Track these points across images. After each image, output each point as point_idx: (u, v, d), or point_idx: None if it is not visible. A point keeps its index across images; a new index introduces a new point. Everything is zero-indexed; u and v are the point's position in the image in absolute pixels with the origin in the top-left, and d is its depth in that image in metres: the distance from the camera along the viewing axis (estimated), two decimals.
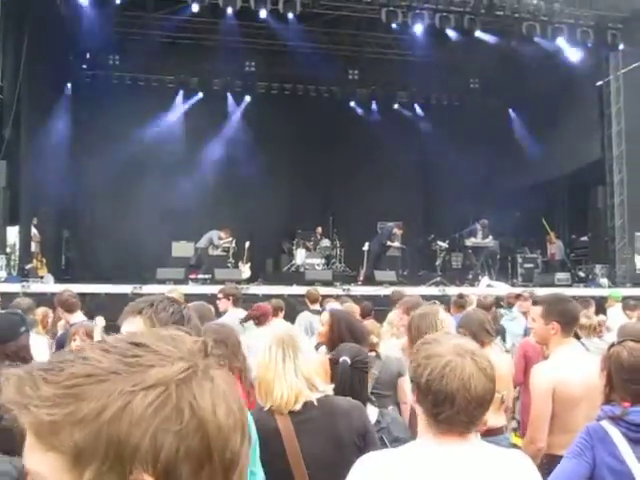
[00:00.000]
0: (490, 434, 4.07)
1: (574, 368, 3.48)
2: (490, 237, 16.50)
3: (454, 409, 1.88)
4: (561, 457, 2.77)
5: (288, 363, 2.74)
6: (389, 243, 16.15)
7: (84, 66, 19.20)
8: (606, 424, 2.64)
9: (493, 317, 6.80)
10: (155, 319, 2.16)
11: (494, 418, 4.28)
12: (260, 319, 6.57)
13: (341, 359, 3.36)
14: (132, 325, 2.14)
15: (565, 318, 3.72)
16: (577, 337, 6.23)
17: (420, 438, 2.01)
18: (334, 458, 2.61)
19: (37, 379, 0.74)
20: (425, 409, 1.96)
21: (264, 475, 2.52)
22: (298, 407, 2.67)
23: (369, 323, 5.97)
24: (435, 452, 1.91)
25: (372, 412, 3.30)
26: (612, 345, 2.88)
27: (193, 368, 0.78)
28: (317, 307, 8.38)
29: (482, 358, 1.96)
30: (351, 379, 3.32)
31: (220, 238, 15.81)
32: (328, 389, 2.85)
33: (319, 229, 17.60)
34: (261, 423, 2.58)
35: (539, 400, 3.50)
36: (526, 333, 7.21)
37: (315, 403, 2.69)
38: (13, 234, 14.23)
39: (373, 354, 5.65)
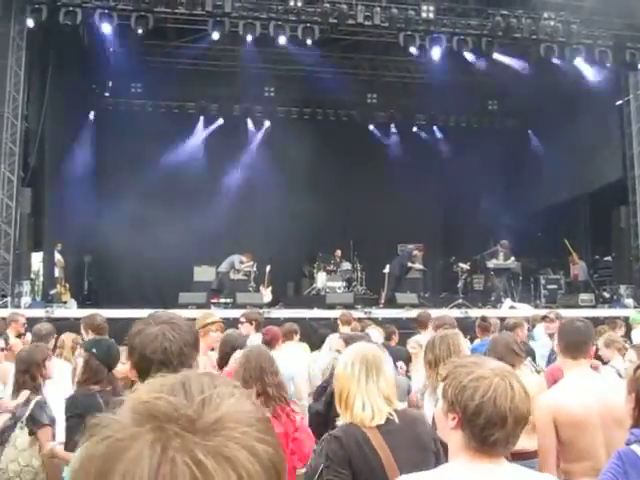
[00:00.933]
0: (525, 457, 4.02)
1: (576, 392, 3.39)
2: (512, 258, 16.37)
3: (506, 430, 1.89)
4: None
5: (371, 383, 2.84)
6: (410, 265, 16.10)
7: (107, 94, 19.53)
8: (637, 448, 2.59)
9: (521, 340, 6.72)
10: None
11: (527, 441, 4.23)
12: (270, 343, 6.48)
13: None
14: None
15: (565, 340, 3.67)
16: (602, 361, 6.15)
17: (454, 460, 1.99)
18: (421, 461, 2.72)
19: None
20: (472, 433, 1.94)
21: None
22: (381, 421, 2.79)
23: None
24: (472, 474, 1.91)
25: None
26: (638, 367, 2.83)
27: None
28: (348, 330, 8.35)
29: (520, 381, 1.98)
30: None
31: (242, 262, 15.86)
32: (399, 406, 2.96)
33: (339, 252, 17.59)
34: (352, 436, 2.76)
35: (540, 431, 3.43)
36: (550, 356, 7.11)
37: (395, 416, 2.81)
38: (37, 260, 14.42)
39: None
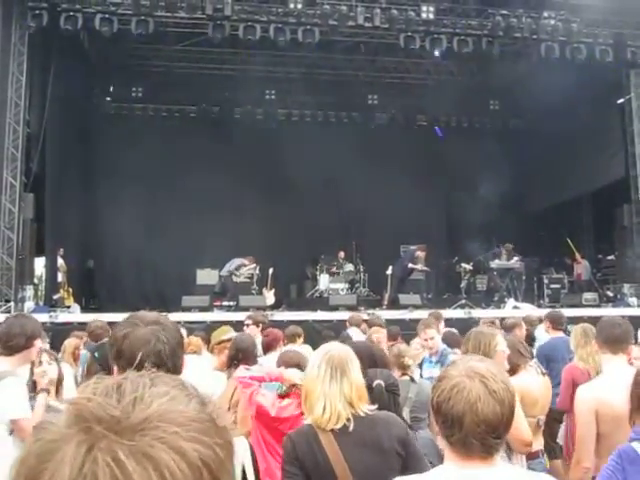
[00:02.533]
0: (527, 457, 4.01)
1: (618, 387, 3.39)
2: (515, 258, 16.36)
3: (462, 432, 1.84)
4: None
5: (334, 385, 2.81)
6: (412, 266, 16.08)
7: (108, 99, 19.55)
8: (637, 445, 2.58)
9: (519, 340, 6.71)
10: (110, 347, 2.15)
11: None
12: (271, 345, 6.41)
13: (375, 383, 3.41)
14: None
15: (605, 334, 3.73)
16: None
17: (444, 463, 1.98)
18: (378, 465, 2.71)
19: None
20: (440, 431, 1.95)
21: None
22: (338, 425, 2.76)
23: (401, 346, 5.96)
24: (458, 477, 1.88)
25: None
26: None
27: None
28: (357, 331, 8.39)
29: (495, 381, 1.89)
30: (388, 401, 3.40)
31: (244, 265, 15.85)
32: (369, 410, 2.89)
33: (342, 254, 17.58)
34: (304, 437, 2.77)
35: (582, 421, 3.47)
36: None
37: (352, 419, 2.77)
38: (40, 265, 14.44)
39: (407, 378, 5.61)
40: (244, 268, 15.84)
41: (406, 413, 5.29)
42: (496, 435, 1.86)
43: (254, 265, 15.91)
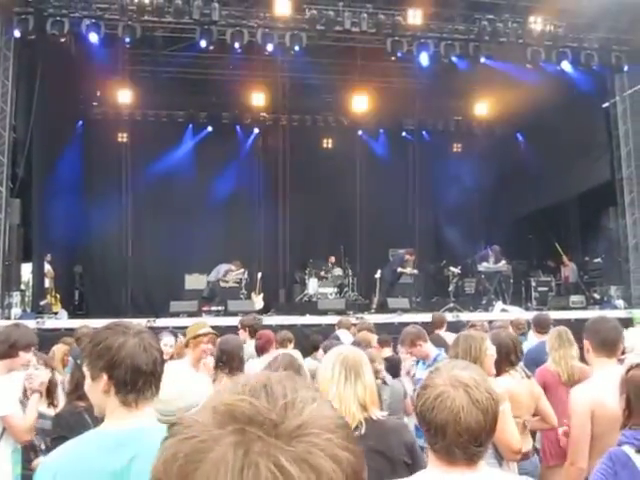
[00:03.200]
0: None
1: (614, 389, 3.41)
2: (503, 262, 16.44)
3: (446, 441, 1.86)
4: None
5: (348, 388, 2.80)
6: (401, 270, 16.12)
7: (94, 103, 19.46)
8: (628, 449, 2.60)
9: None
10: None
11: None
12: (263, 347, 6.40)
13: None
14: None
15: (601, 337, 3.69)
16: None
17: (428, 467, 2.00)
18: (386, 471, 2.69)
19: None
20: (425, 438, 1.97)
21: None
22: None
23: (372, 351, 6.03)
24: None
25: None
26: (630, 368, 2.83)
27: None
28: (347, 334, 8.41)
29: (479, 390, 1.91)
30: None
31: (231, 270, 15.82)
32: (380, 415, 2.88)
33: (331, 258, 17.58)
34: None
35: (578, 422, 3.47)
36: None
37: (364, 424, 2.75)
38: (27, 271, 14.35)
39: (378, 381, 5.71)
40: (232, 274, 15.81)
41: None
42: (478, 443, 1.88)
43: (241, 270, 15.88)
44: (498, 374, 4.08)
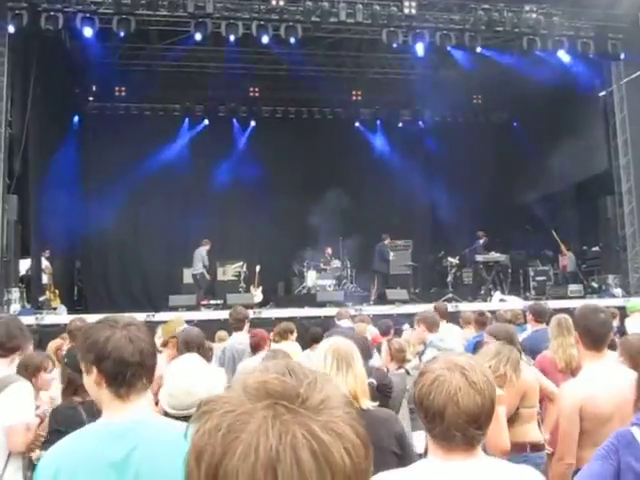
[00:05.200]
0: (534, 450, 4.05)
1: (604, 384, 3.40)
2: (493, 253, 16.48)
3: (444, 424, 1.86)
4: None
5: (339, 378, 2.82)
6: (392, 256, 16.24)
7: (90, 98, 19.42)
8: (635, 429, 2.60)
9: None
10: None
11: (535, 433, 4.25)
12: (259, 344, 6.19)
13: (367, 381, 3.43)
14: None
15: (591, 332, 3.62)
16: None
17: (428, 457, 2.00)
18: (375, 462, 2.64)
19: None
20: (424, 425, 1.97)
21: None
22: None
23: (402, 342, 6.10)
24: (442, 469, 1.90)
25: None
26: None
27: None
28: (348, 324, 8.46)
29: (475, 372, 1.91)
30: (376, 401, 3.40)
31: (206, 250, 15.54)
32: (370, 406, 2.89)
33: (329, 250, 17.58)
34: None
35: (566, 418, 3.45)
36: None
37: None
38: (25, 267, 14.34)
39: (403, 371, 5.76)
40: (205, 254, 15.52)
41: (404, 404, 5.42)
42: (477, 426, 1.88)
43: (208, 247, 15.66)
44: None
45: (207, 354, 4.95)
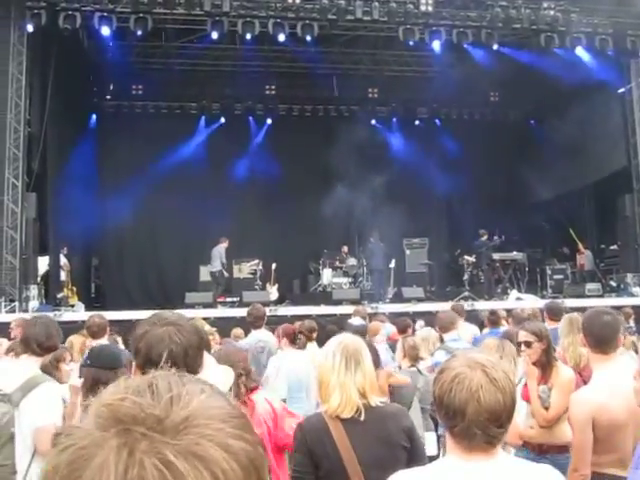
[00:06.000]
0: (557, 451, 4.03)
1: (614, 390, 3.31)
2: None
3: (465, 422, 1.85)
4: (608, 475, 2.68)
5: (348, 375, 2.84)
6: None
7: (108, 97, 19.55)
8: None
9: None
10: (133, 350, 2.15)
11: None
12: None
13: None
14: None
15: (595, 335, 3.56)
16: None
17: (447, 455, 1.99)
18: (386, 457, 2.74)
19: None
20: (443, 424, 1.96)
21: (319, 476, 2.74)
22: (349, 415, 2.80)
23: (416, 339, 6.13)
24: (461, 469, 1.89)
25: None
26: None
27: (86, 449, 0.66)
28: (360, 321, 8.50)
29: (496, 370, 1.91)
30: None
31: (223, 249, 15.63)
32: (379, 402, 2.92)
33: (345, 248, 17.58)
34: (313, 426, 2.84)
35: (579, 430, 3.38)
36: None
37: (363, 410, 2.80)
38: (44, 264, 14.47)
39: (415, 369, 5.76)
40: (223, 252, 15.61)
41: (416, 403, 5.43)
42: (499, 424, 1.86)
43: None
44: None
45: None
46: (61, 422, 3.77)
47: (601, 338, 3.53)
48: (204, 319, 8.06)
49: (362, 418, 2.77)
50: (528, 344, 4.31)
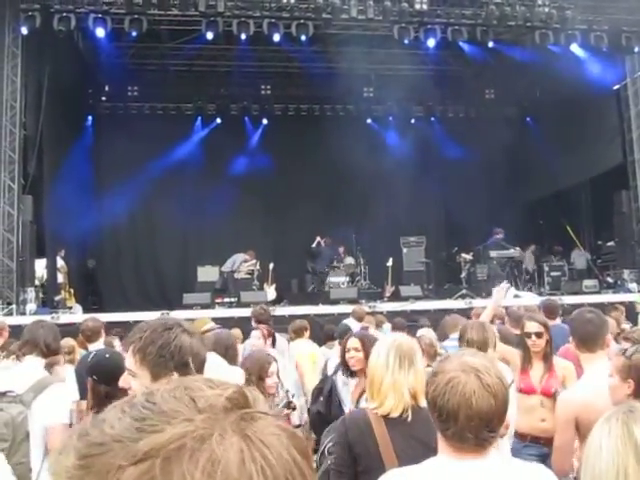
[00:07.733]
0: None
1: (600, 389, 3.24)
2: (513, 250, 16.38)
3: (458, 426, 1.87)
4: None
5: (402, 374, 2.86)
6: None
7: (103, 98, 19.54)
8: None
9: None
10: (144, 353, 2.15)
11: None
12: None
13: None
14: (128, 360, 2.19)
15: (579, 333, 3.61)
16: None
17: (438, 455, 2.01)
18: (422, 459, 2.71)
19: (69, 444, 0.68)
20: (436, 425, 1.98)
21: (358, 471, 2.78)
22: (396, 414, 2.82)
23: (433, 336, 6.12)
24: (453, 467, 1.91)
25: None
26: (633, 353, 2.73)
27: (191, 434, 0.64)
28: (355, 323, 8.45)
29: (489, 375, 1.92)
30: None
31: (245, 261, 15.86)
32: (425, 404, 2.93)
33: (343, 248, 17.59)
34: (355, 421, 2.85)
35: (560, 429, 3.42)
36: None
37: (411, 411, 2.82)
38: (41, 267, 14.45)
39: (430, 369, 5.68)
40: (245, 264, 15.85)
41: None
42: (490, 428, 1.89)
43: (254, 261, 15.93)
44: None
45: (235, 355, 4.99)
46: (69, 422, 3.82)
47: (585, 336, 3.58)
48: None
49: (409, 419, 2.78)
50: (539, 335, 4.41)
